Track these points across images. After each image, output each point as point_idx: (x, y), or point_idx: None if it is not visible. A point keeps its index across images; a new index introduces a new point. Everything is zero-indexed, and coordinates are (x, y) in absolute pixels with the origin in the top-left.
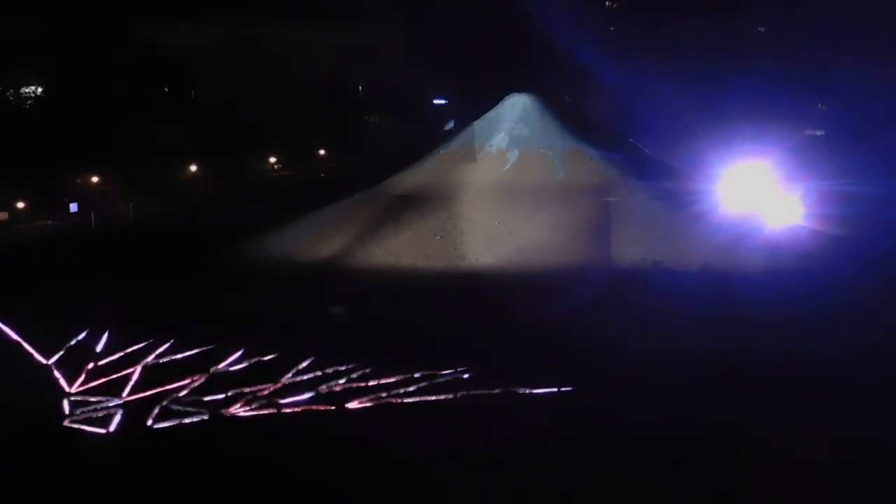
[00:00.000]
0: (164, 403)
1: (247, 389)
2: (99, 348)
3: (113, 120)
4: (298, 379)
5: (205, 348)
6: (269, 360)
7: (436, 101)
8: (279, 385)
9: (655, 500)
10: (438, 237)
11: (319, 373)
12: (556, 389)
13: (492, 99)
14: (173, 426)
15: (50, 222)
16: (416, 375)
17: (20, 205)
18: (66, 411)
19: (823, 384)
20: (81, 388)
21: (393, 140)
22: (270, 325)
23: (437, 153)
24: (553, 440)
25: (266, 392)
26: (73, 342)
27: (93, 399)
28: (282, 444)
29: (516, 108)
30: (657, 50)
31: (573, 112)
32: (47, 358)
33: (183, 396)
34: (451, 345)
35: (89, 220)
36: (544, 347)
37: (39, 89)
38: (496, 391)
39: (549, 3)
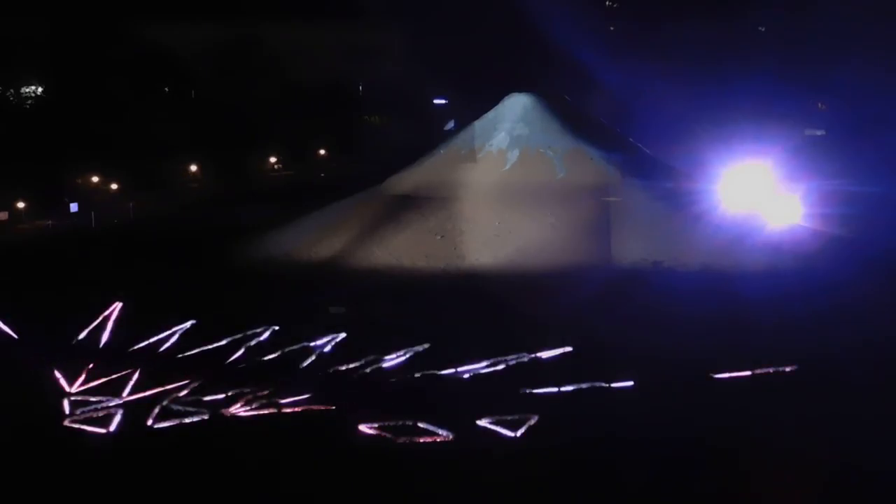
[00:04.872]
0: (164, 403)
1: (247, 389)
2: (99, 348)
3: (113, 119)
4: (299, 377)
5: (205, 348)
6: (269, 359)
7: (436, 101)
8: (279, 385)
9: (655, 500)
10: (438, 237)
11: (319, 373)
12: (556, 389)
13: (492, 99)
14: (173, 426)
15: (50, 222)
16: (417, 375)
17: (20, 205)
18: (66, 411)
19: (823, 384)
20: (81, 388)
21: (393, 140)
22: (270, 325)
23: (437, 153)
24: (553, 440)
25: (266, 392)
26: (73, 342)
27: (93, 399)
28: (282, 444)
29: (516, 108)
30: (657, 50)
31: (573, 112)
32: (47, 358)
33: (183, 396)
34: (451, 345)
35: (89, 220)
36: (544, 347)
37: (39, 89)
38: (496, 391)
39: (549, 3)
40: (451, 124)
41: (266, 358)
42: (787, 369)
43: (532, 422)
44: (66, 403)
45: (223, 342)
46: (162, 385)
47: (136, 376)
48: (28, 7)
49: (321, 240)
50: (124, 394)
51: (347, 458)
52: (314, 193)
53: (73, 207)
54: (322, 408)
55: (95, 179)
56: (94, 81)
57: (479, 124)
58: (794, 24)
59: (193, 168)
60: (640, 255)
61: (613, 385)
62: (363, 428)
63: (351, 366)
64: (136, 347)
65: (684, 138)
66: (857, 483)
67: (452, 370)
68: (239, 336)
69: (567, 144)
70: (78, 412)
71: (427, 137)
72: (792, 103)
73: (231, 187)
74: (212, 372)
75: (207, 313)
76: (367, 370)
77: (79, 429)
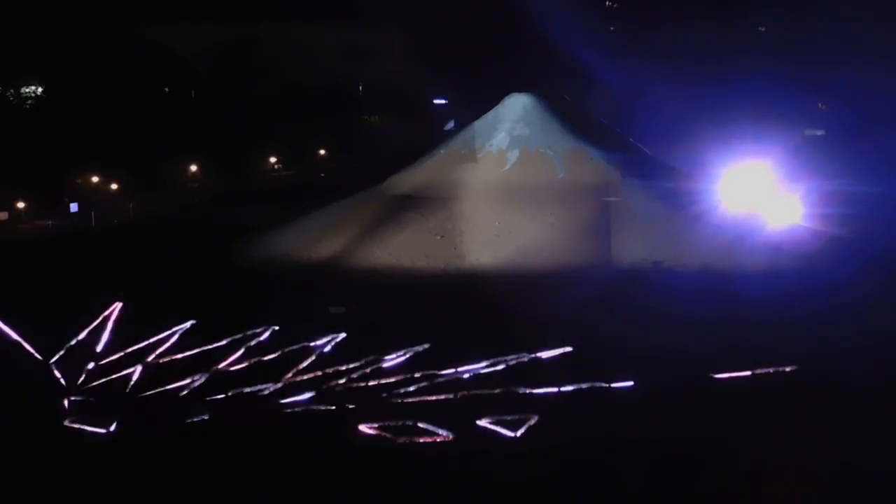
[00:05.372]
0: (164, 403)
1: (247, 389)
2: (99, 348)
3: (113, 119)
4: (298, 379)
5: (205, 348)
6: (269, 359)
7: (436, 101)
8: (279, 385)
9: (655, 500)
10: (438, 237)
11: (319, 373)
12: (556, 389)
13: (492, 99)
14: (173, 426)
15: (50, 222)
16: (416, 375)
17: (20, 205)
18: (66, 411)
19: (823, 384)
20: (81, 389)
21: (393, 140)
22: (270, 325)
23: (437, 153)
24: (553, 440)
25: (266, 392)
26: (73, 342)
27: (93, 399)
28: (282, 444)
29: (517, 108)
30: (657, 50)
31: (573, 112)
32: (47, 358)
33: (183, 396)
34: (451, 345)
35: (89, 220)
36: (544, 347)
37: (39, 89)
38: (496, 391)
39: (549, 3)
40: (451, 124)
41: (266, 358)
42: (787, 369)
43: (532, 422)
44: (66, 403)
45: (223, 342)
46: (162, 385)
47: (136, 376)
48: (28, 7)
49: (321, 240)
50: (125, 394)
51: (347, 458)
52: (314, 193)
53: (73, 207)
54: (322, 408)
55: (95, 179)
56: (94, 81)
57: (479, 124)
58: (794, 24)
59: (193, 168)
60: (640, 255)
61: (613, 385)
62: (363, 428)
63: (351, 366)
64: (135, 347)
65: (684, 138)
66: (857, 483)
67: (452, 370)
68: (239, 336)
69: (567, 144)
70: (78, 412)
71: (427, 137)
72: (792, 103)
73: (231, 187)
74: (212, 372)
75: (207, 313)
76: (368, 370)
77: (79, 429)
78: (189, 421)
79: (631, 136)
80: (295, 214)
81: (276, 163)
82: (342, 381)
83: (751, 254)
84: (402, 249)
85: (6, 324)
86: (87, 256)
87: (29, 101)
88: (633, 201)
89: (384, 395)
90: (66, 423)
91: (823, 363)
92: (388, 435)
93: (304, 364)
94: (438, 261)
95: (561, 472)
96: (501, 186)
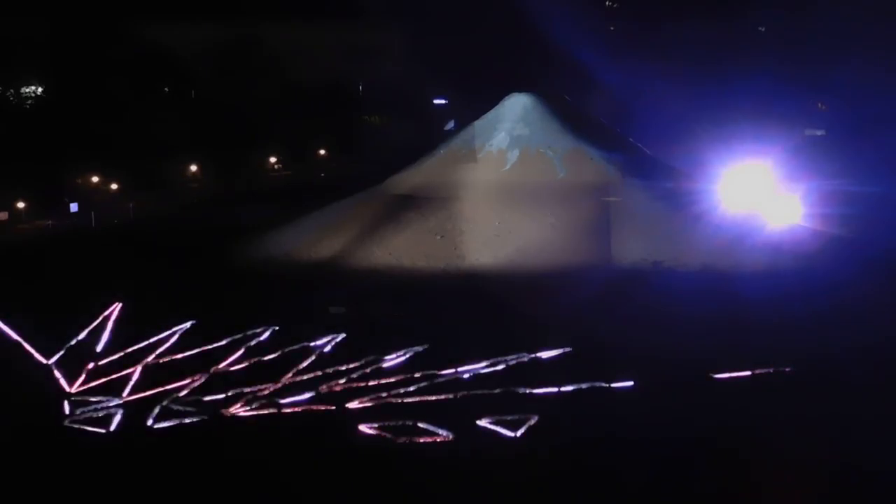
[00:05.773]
0: (164, 403)
1: (247, 389)
2: (99, 348)
3: (113, 119)
4: (298, 379)
5: (205, 348)
6: (269, 359)
7: (436, 101)
8: (279, 385)
9: (655, 500)
10: (438, 237)
11: (319, 373)
12: (556, 389)
13: (492, 99)
14: (173, 426)
15: (50, 222)
16: (417, 375)
17: (20, 205)
18: (66, 411)
19: (823, 384)
20: (81, 388)
21: (393, 140)
22: (270, 325)
23: (437, 153)
24: (553, 440)
25: (266, 392)
26: (73, 342)
27: (93, 399)
28: (282, 444)
29: (516, 108)
30: (657, 50)
31: (573, 112)
32: (47, 358)
33: (183, 396)
34: (451, 345)
35: (89, 220)
36: (544, 347)
37: (39, 89)
38: (496, 391)
39: (549, 3)
40: (451, 124)
41: (266, 358)
42: (787, 369)
43: (532, 422)
44: (66, 403)
45: (223, 342)
46: (162, 385)
47: (136, 376)
48: (28, 7)
49: (321, 240)
50: (124, 394)
51: (347, 458)
52: (314, 193)
53: (73, 207)
54: (322, 408)
55: (95, 179)
56: (94, 81)
57: (479, 124)
58: (794, 24)
59: (193, 168)
60: (640, 255)
61: (613, 385)
62: (363, 428)
63: (351, 366)
64: (135, 347)
65: (684, 138)
66: (857, 483)
67: (452, 370)
68: (239, 336)
69: (567, 144)
70: (78, 412)
71: (427, 137)
72: (792, 103)
73: (231, 187)
74: (212, 372)
75: (207, 313)
76: (368, 370)
77: (79, 429)
78: (189, 421)
79: (631, 136)
80: (295, 214)
81: (276, 163)
82: (342, 381)
83: (751, 254)
84: (402, 249)
85: (6, 324)
86: (86, 256)
87: (29, 101)
88: (633, 201)
89: (384, 395)
90: (66, 423)
91: (823, 363)
92: (388, 435)
93: (304, 364)
94: (438, 261)
95: (561, 472)
96: (501, 186)
